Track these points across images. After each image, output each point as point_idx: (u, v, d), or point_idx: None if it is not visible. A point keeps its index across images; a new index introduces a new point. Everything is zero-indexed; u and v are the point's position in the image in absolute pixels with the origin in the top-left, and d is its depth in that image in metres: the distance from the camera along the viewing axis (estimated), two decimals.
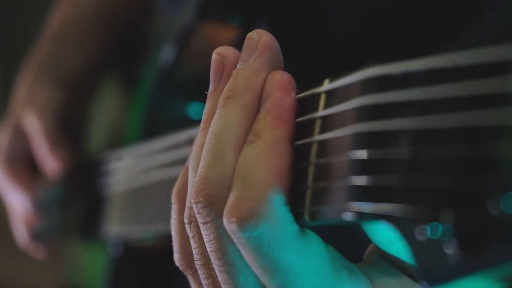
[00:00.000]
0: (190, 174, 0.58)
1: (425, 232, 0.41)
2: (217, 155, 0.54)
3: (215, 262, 0.55)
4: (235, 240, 0.52)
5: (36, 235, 1.18)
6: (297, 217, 0.52)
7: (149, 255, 1.08)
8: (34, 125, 1.15)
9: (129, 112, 1.17)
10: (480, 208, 0.39)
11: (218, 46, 1.04)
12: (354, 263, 0.55)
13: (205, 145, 0.55)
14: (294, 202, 0.52)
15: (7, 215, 1.22)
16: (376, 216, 0.45)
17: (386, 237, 0.50)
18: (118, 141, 1.15)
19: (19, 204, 1.18)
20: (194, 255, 0.58)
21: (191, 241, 0.58)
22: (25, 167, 1.18)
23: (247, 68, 0.56)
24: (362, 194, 0.46)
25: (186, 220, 0.58)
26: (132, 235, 1.01)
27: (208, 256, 0.56)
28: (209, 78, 0.60)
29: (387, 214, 0.44)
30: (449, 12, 0.57)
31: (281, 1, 0.92)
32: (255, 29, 0.93)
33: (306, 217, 0.51)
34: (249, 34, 0.57)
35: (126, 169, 1.00)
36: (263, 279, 0.53)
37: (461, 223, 0.40)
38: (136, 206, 0.96)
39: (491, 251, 0.39)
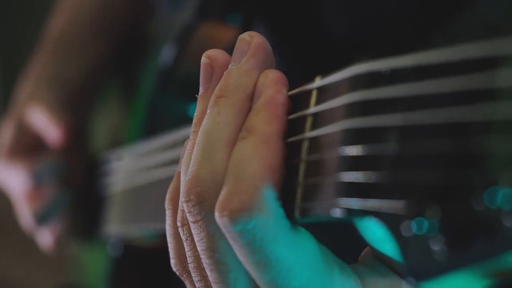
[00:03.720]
0: (182, 177, 0.58)
1: (411, 227, 0.41)
2: (208, 153, 0.54)
3: (205, 261, 0.55)
4: (227, 235, 0.52)
5: (40, 219, 1.17)
6: (288, 213, 0.52)
7: (149, 254, 1.08)
8: (36, 111, 1.15)
9: (129, 113, 1.18)
10: (465, 203, 0.39)
11: (218, 46, 1.04)
12: (348, 263, 0.55)
13: (195, 145, 0.55)
14: (285, 198, 0.52)
15: (7, 215, 1.22)
16: (364, 212, 0.45)
17: (379, 236, 0.50)
18: (119, 142, 1.15)
19: (21, 184, 1.17)
20: (188, 258, 0.58)
21: (184, 244, 0.58)
22: (29, 151, 1.18)
23: (238, 68, 0.56)
24: (350, 190, 0.46)
25: (179, 224, 0.57)
26: (131, 234, 1.01)
27: (199, 257, 0.56)
28: None
29: (375, 210, 0.44)
30: (437, 7, 0.57)
31: (280, 1, 0.92)
32: (254, 29, 0.93)
33: (297, 213, 0.51)
34: (241, 36, 0.58)
35: (125, 168, 1.01)
36: (255, 274, 0.52)
37: (447, 218, 0.40)
38: (135, 205, 0.96)
39: (477, 247, 0.39)
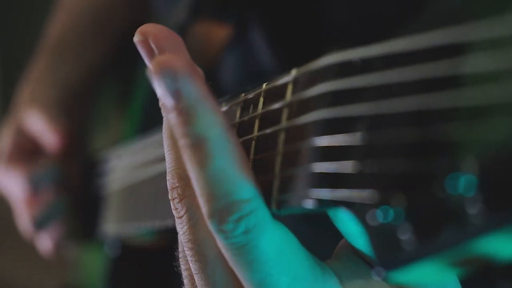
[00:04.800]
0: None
1: (376, 216, 0.41)
2: (175, 154, 0.56)
3: (188, 253, 0.56)
4: (215, 236, 0.52)
5: (39, 222, 1.17)
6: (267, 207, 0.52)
7: (147, 254, 1.08)
8: (34, 115, 1.16)
9: (127, 113, 1.18)
10: (429, 191, 0.38)
11: (212, 44, 1.04)
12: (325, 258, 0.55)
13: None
14: (263, 192, 0.52)
15: (8, 215, 1.23)
16: (335, 203, 0.45)
17: (352, 229, 0.49)
18: (117, 142, 1.15)
19: (19, 190, 1.18)
20: (179, 252, 0.60)
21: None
22: (27, 156, 1.18)
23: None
24: (322, 180, 0.46)
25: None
26: (129, 233, 1.01)
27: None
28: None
29: (345, 200, 0.44)
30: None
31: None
32: (249, 28, 0.93)
33: (273, 206, 0.51)
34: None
35: (122, 167, 1.01)
36: (239, 270, 0.53)
37: (413, 206, 0.39)
38: (132, 203, 0.96)
39: (443, 235, 0.38)
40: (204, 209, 0.52)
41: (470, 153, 0.37)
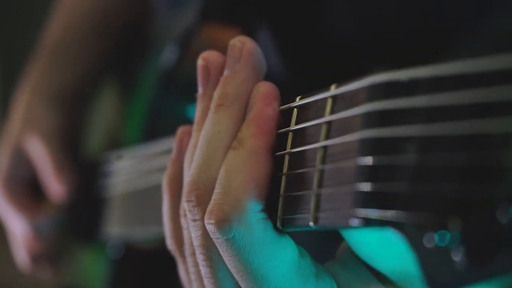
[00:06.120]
0: (185, 171, 0.62)
1: (433, 239, 0.41)
2: (207, 159, 0.58)
3: (199, 256, 0.60)
4: (214, 240, 0.56)
5: (37, 262, 1.17)
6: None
7: (149, 257, 1.08)
8: (38, 150, 1.14)
9: (128, 115, 1.17)
10: (488, 216, 0.39)
11: (220, 49, 1.04)
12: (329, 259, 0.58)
13: (197, 148, 0.59)
14: (296, 207, 0.53)
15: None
16: (382, 223, 0.45)
17: (361, 240, 0.51)
18: (118, 143, 1.15)
19: (19, 229, 1.17)
20: (185, 245, 0.63)
21: (184, 232, 0.63)
22: (27, 192, 1.17)
23: (234, 77, 0.60)
24: (369, 200, 0.46)
25: (181, 213, 0.62)
26: (132, 237, 1.01)
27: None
28: None
29: (394, 220, 0.44)
30: (455, 18, 0.57)
31: (282, 3, 0.92)
32: (256, 32, 0.93)
33: (310, 221, 0.52)
34: (232, 42, 0.61)
35: (126, 171, 1.00)
36: (235, 277, 0.57)
37: (469, 231, 0.40)
38: (137, 208, 0.96)
39: (498, 260, 0.39)
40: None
41: None
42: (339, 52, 0.83)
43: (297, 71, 0.87)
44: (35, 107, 1.17)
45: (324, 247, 0.58)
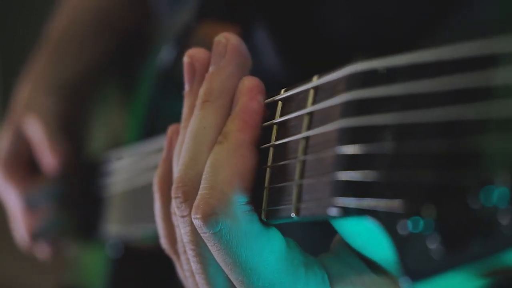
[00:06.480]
0: (174, 169, 0.63)
1: (407, 226, 0.41)
2: (193, 155, 0.58)
3: (189, 252, 0.60)
4: (201, 235, 0.57)
5: (36, 235, 1.18)
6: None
7: (149, 256, 1.08)
8: (35, 127, 1.16)
9: (129, 113, 1.18)
10: (461, 202, 0.39)
11: None
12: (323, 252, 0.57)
13: (183, 145, 0.60)
14: (280, 199, 0.53)
15: (8, 215, 1.22)
16: (360, 211, 0.45)
17: (368, 239, 0.50)
18: (119, 142, 1.15)
19: (16, 204, 1.19)
20: (178, 243, 0.63)
21: (176, 230, 0.63)
22: (24, 169, 1.19)
23: (220, 72, 0.60)
24: (347, 189, 0.46)
25: (172, 211, 0.62)
26: (131, 235, 1.01)
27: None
28: None
29: (371, 208, 0.44)
30: (433, 5, 0.57)
31: (280, 2, 0.92)
32: (254, 30, 0.93)
33: (292, 212, 0.52)
34: (217, 38, 0.61)
35: (125, 169, 1.01)
36: (225, 270, 0.57)
37: (443, 217, 0.40)
38: (136, 205, 0.96)
39: (473, 245, 0.39)
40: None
41: (503, 165, 0.37)
42: (339, 51, 0.82)
43: (295, 70, 0.87)
44: (37, 94, 1.19)
45: (320, 241, 0.58)
